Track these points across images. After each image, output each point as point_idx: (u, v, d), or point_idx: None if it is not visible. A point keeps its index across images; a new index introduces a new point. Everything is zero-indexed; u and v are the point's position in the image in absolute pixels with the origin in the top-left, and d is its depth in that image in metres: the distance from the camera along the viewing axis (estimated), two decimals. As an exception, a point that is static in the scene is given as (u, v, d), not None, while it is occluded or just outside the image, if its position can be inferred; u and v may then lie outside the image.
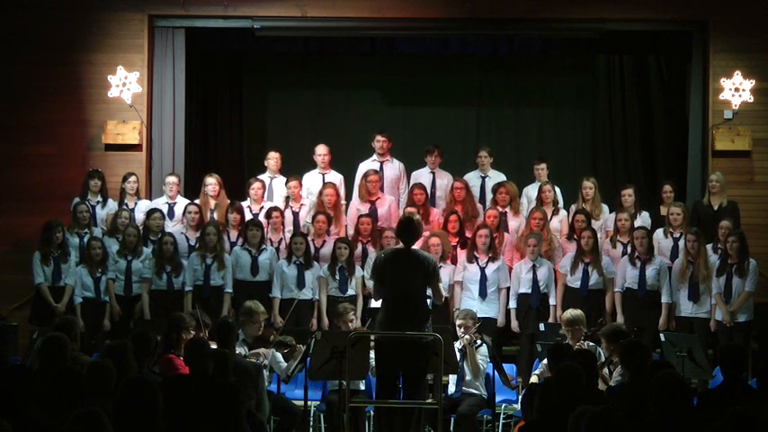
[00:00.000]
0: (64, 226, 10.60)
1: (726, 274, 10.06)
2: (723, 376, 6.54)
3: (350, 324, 9.23)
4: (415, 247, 8.36)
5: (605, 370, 8.03)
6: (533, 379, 8.66)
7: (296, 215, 11.25)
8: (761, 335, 10.52)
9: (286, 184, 11.41)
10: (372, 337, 8.05)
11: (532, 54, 13.31)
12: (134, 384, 5.25)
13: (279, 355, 8.67)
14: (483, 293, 10.33)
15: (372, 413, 8.77)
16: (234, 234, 10.87)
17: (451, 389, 8.95)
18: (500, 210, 10.99)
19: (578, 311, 8.82)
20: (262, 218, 10.93)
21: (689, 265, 10.19)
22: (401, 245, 8.17)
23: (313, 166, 11.74)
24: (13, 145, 11.88)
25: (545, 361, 8.45)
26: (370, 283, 10.36)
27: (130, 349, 6.70)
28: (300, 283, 10.37)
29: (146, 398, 5.18)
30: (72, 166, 11.77)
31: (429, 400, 8.36)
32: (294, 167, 11.83)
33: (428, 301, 8.16)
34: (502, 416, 9.16)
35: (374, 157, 11.74)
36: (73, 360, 6.87)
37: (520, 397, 8.37)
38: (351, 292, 10.38)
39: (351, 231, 11.08)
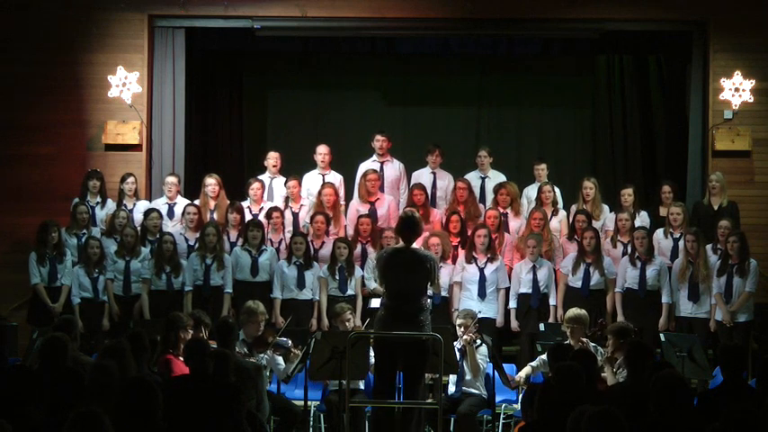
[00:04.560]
0: (60, 226, 10.60)
1: (726, 275, 10.06)
2: (723, 376, 6.54)
3: (347, 324, 9.22)
4: (415, 245, 8.35)
5: (606, 369, 8.03)
6: (527, 370, 8.69)
7: (295, 215, 11.24)
8: (761, 335, 10.52)
9: (285, 184, 11.41)
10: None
11: (532, 54, 13.30)
12: (134, 384, 5.25)
13: (278, 357, 8.67)
14: (482, 294, 10.33)
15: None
16: (234, 234, 10.86)
17: (451, 389, 8.95)
18: (501, 210, 10.99)
19: (582, 311, 8.81)
20: (261, 218, 10.92)
21: (689, 266, 10.19)
22: (401, 243, 8.17)
23: (313, 166, 11.73)
24: (13, 145, 11.88)
25: (543, 356, 8.47)
26: (369, 284, 10.37)
27: (129, 349, 6.71)
28: (300, 284, 10.37)
29: (146, 398, 5.18)
30: (72, 166, 11.76)
31: (429, 400, 8.36)
32: (294, 167, 11.82)
33: (428, 300, 8.18)
34: (502, 416, 9.16)
35: (374, 157, 11.74)
36: (73, 360, 6.86)
37: (520, 397, 8.37)
38: (350, 292, 10.38)
39: (351, 231, 11.08)
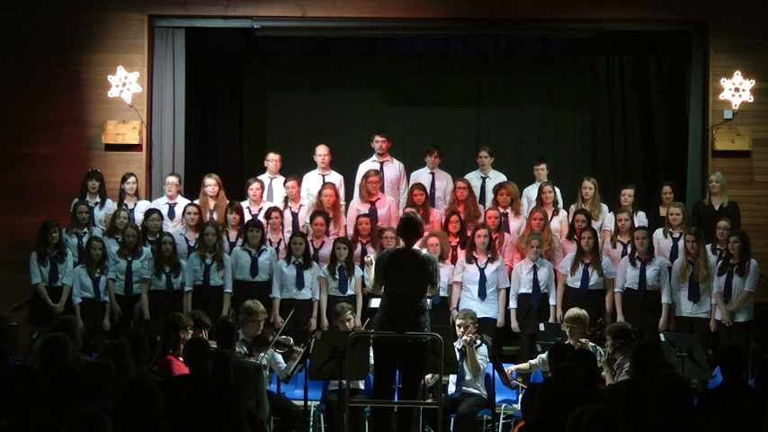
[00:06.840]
0: (60, 226, 10.60)
1: (726, 274, 10.06)
2: (723, 376, 6.54)
3: (347, 324, 9.22)
4: (416, 246, 8.35)
5: (605, 369, 8.04)
6: (524, 366, 8.74)
7: (295, 216, 11.24)
8: (761, 335, 10.52)
9: (284, 184, 11.41)
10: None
11: (532, 54, 13.31)
12: (134, 384, 5.25)
13: (278, 356, 8.68)
14: (482, 294, 10.33)
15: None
16: (233, 234, 10.86)
17: (451, 389, 8.95)
18: (501, 210, 10.98)
19: (582, 311, 8.82)
20: (261, 218, 10.92)
21: (689, 266, 10.20)
22: (402, 244, 8.17)
23: (313, 166, 11.73)
24: (13, 145, 11.88)
25: (543, 355, 8.48)
26: (369, 283, 10.36)
27: (128, 349, 6.70)
28: (300, 284, 10.37)
29: (146, 398, 5.18)
30: (72, 166, 11.77)
31: (429, 400, 8.36)
32: (294, 168, 11.83)
33: (428, 301, 8.18)
34: (502, 416, 9.16)
35: (374, 157, 11.74)
36: (73, 360, 6.86)
37: (520, 397, 8.37)
38: (350, 292, 10.38)
39: (350, 232, 11.08)
